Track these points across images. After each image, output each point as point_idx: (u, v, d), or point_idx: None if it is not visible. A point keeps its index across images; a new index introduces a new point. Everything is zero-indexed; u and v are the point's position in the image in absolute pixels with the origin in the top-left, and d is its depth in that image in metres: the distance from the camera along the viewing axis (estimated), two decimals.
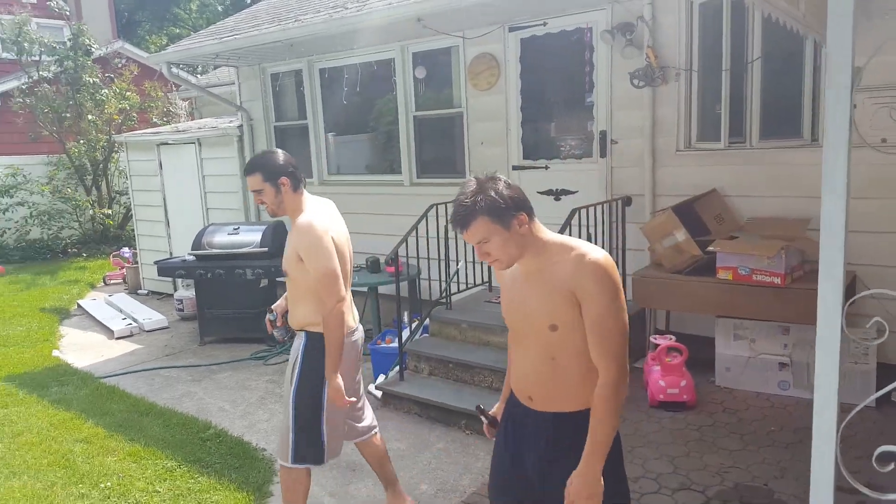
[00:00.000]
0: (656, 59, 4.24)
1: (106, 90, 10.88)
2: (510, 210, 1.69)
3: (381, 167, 6.28)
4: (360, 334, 2.89)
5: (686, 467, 3.11)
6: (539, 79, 4.98)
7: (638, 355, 4.30)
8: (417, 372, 4.44)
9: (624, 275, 4.37)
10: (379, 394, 4.36)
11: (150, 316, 6.64)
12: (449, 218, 1.78)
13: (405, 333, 4.55)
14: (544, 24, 4.75)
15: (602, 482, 1.69)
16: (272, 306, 3.06)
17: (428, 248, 4.69)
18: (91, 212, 11.06)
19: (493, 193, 1.69)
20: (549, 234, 1.78)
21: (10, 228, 10.81)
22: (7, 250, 10.63)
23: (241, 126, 6.96)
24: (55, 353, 5.85)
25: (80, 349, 5.98)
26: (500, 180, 1.73)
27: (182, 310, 6.74)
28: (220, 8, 25.93)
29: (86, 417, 4.35)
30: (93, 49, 11.08)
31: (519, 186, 1.76)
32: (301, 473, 2.78)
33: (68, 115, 10.78)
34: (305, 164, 6.57)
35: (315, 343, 2.69)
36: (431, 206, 4.68)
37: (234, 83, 7.22)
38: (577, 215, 3.89)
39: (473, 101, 5.21)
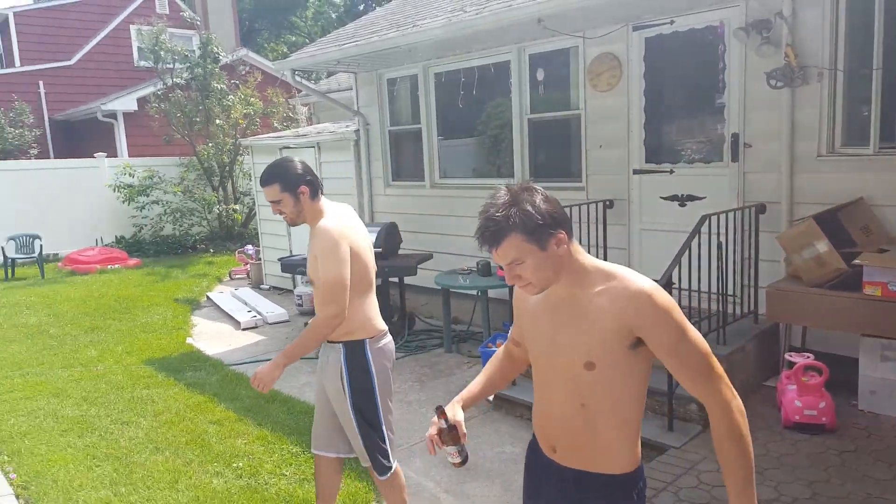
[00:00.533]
0: (796, 58, 4.02)
1: (232, 96, 11.71)
2: (548, 227, 1.47)
3: (487, 170, 6.36)
4: (388, 340, 2.81)
5: (827, 494, 2.94)
6: (664, 79, 4.86)
7: (769, 373, 4.10)
8: (529, 377, 4.45)
9: (756, 287, 4.18)
10: (490, 397, 4.42)
11: (272, 309, 7.08)
12: (475, 233, 1.53)
13: None
14: (671, 23, 4.63)
15: None
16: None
17: None
18: (218, 210, 11.92)
19: (528, 207, 1.46)
20: (588, 259, 1.57)
21: (146, 225, 11.88)
22: (143, 245, 11.70)
23: (357, 130, 7.27)
24: (188, 340, 6.37)
25: (210, 338, 6.48)
26: (536, 191, 1.51)
27: (301, 304, 7.14)
28: (333, 15, 27.13)
29: (217, 401, 4.72)
30: (220, 57, 11.97)
31: (557, 200, 1.54)
32: (396, 476, 2.78)
33: (198, 119, 11.72)
34: (417, 167, 6.77)
35: (355, 351, 2.67)
36: None
37: (352, 88, 7.56)
38: (707, 222, 3.77)
39: (592, 103, 5.16)
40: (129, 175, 11.56)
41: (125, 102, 13.89)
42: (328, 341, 2.71)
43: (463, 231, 6.27)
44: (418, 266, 5.91)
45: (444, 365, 5.34)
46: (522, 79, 5.69)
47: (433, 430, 1.76)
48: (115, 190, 11.40)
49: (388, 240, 6.06)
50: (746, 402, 3.97)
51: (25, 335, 6.64)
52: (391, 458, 2.76)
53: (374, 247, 5.97)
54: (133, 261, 10.69)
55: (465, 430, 1.77)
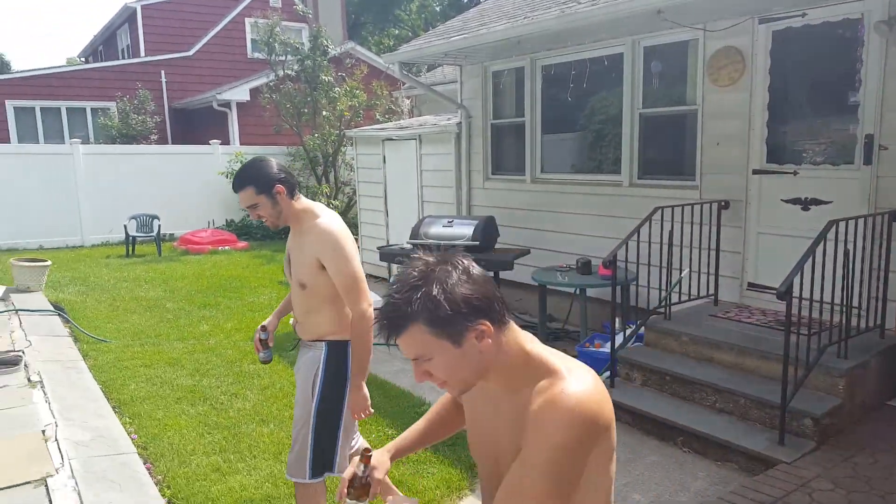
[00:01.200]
0: None
1: (338, 88, 12.16)
2: (462, 317, 1.19)
3: (588, 166, 6.27)
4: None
5: None
6: (791, 75, 4.61)
7: (894, 392, 3.83)
8: (629, 380, 4.38)
9: (885, 299, 3.92)
10: None
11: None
12: (378, 319, 1.26)
13: (617, 339, 4.51)
14: (803, 16, 4.38)
15: None
16: (264, 324, 2.95)
17: (650, 253, 4.59)
18: (322, 200, 12.43)
19: (437, 290, 1.18)
20: (531, 348, 1.28)
21: None
22: (251, 229, 12.39)
23: (459, 123, 7.37)
24: (290, 321, 6.70)
25: None
26: (457, 267, 1.22)
27: None
28: (437, 8, 27.49)
29: None
30: (329, 50, 12.45)
31: (488, 278, 1.26)
32: (320, 486, 2.68)
33: (306, 110, 12.25)
34: (518, 161, 6.78)
35: (337, 352, 2.59)
36: (656, 210, 4.57)
37: (455, 81, 7.67)
38: (833, 228, 3.56)
39: (711, 98, 4.97)
40: (240, 163, 12.26)
41: (239, 92, 14.74)
42: (310, 340, 2.66)
43: (562, 227, 6.23)
44: (515, 261, 5.93)
45: None
46: (636, 72, 5.57)
47: (347, 474, 1.55)
48: (227, 176, 12.14)
49: (486, 233, 6.12)
50: (867, 421, 3.71)
51: (144, 308, 7.22)
52: (333, 468, 2.64)
53: (471, 240, 6.12)
54: (241, 243, 11.36)
55: (380, 488, 1.57)
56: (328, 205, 12.12)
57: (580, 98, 6.20)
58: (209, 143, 12.98)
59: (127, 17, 18.92)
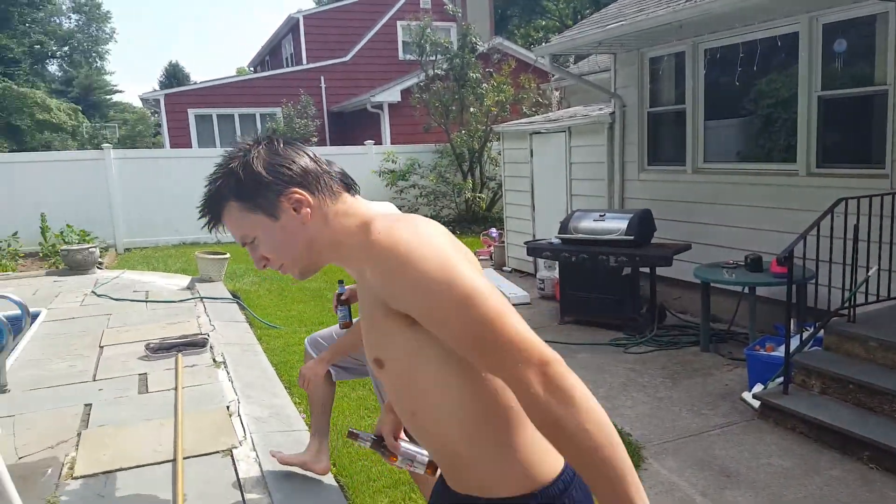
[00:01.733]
0: None
1: (486, 84, 12.31)
2: (271, 186, 1.17)
3: (756, 154, 5.83)
4: None
5: None
6: None
7: None
8: (805, 387, 4.04)
9: None
10: (756, 404, 4.09)
11: (514, 291, 7.38)
12: (200, 211, 1.26)
13: (793, 343, 4.17)
14: None
15: None
16: (343, 280, 2.98)
17: (831, 249, 4.19)
18: (467, 195, 12.68)
19: (242, 164, 1.18)
20: (364, 211, 1.22)
21: (403, 206, 13.11)
22: None
23: (612, 113, 7.17)
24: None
25: None
26: (264, 143, 1.21)
27: (543, 289, 7.32)
28: None
29: None
30: (477, 47, 12.63)
31: (300, 147, 1.23)
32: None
33: (454, 108, 12.54)
34: (678, 151, 6.47)
35: None
36: (840, 201, 4.16)
37: (606, 70, 7.47)
38: None
39: None
40: (392, 161, 12.83)
41: (390, 94, 15.42)
42: None
43: (726, 220, 5.86)
44: (674, 257, 5.68)
45: (700, 364, 5.07)
46: (813, 52, 5.10)
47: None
48: (379, 175, 12.75)
49: (641, 228, 5.91)
50: None
51: (308, 297, 7.79)
52: None
53: (626, 234, 5.93)
54: None
55: (397, 438, 1.56)
56: (473, 199, 12.41)
57: (747, 82, 5.79)
58: (363, 144, 13.70)
59: (290, 28, 20.48)
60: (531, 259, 8.11)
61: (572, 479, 1.17)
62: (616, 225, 6.06)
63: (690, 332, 5.74)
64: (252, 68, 28.65)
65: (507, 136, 9.11)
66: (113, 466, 3.31)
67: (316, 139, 16.57)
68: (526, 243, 7.08)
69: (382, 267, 1.08)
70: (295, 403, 4.46)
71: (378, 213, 1.22)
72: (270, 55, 24.72)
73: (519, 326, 1.05)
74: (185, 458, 3.38)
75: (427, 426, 1.20)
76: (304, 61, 19.06)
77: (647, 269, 5.97)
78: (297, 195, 1.19)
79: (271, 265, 1.24)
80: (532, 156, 8.46)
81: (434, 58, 12.75)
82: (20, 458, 3.46)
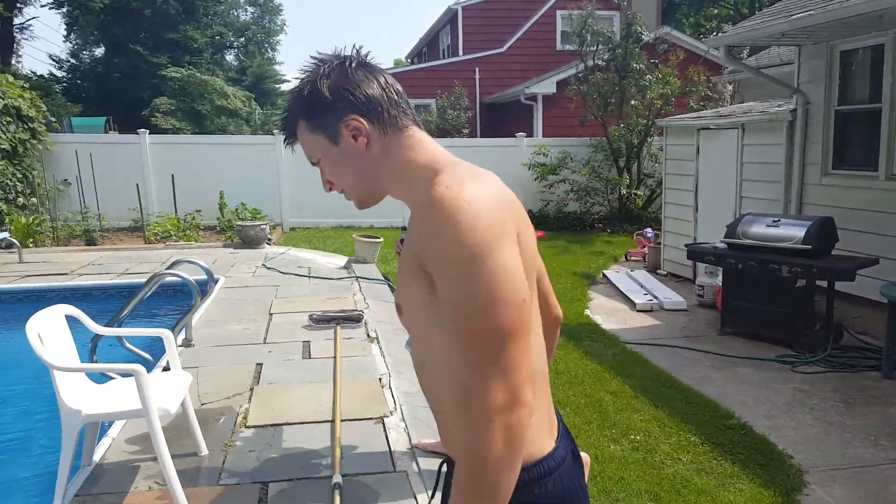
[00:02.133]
0: None
1: (649, 76, 11.93)
2: (332, 111, 1.15)
3: None
4: None
5: None
6: None
7: None
8: None
9: None
10: None
11: (669, 296, 7.14)
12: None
13: None
14: None
15: None
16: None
17: None
18: (622, 191, 12.37)
19: (310, 83, 1.16)
20: (427, 157, 1.17)
21: (552, 201, 13.08)
22: (547, 219, 12.92)
23: (793, 110, 6.69)
24: (586, 312, 6.89)
25: (605, 313, 6.89)
26: (338, 63, 1.17)
27: (702, 295, 7.02)
28: None
29: (613, 374, 5.03)
30: (642, 37, 12.25)
31: (380, 73, 1.19)
32: None
33: (613, 100, 12.28)
34: (870, 154, 5.92)
35: None
36: None
37: (788, 63, 6.98)
38: None
39: None
40: (543, 155, 12.83)
41: (545, 86, 15.39)
42: None
43: None
44: (857, 271, 5.23)
45: (880, 391, 4.65)
46: None
47: None
48: (529, 168, 12.81)
49: (821, 237, 5.49)
50: None
51: None
52: None
53: (803, 243, 5.54)
54: (539, 233, 11.92)
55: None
56: (628, 196, 12.09)
57: None
58: (514, 136, 13.81)
59: (449, 19, 21.04)
60: (690, 263, 7.80)
61: (551, 471, 1.16)
62: (792, 232, 5.68)
63: (871, 356, 5.26)
64: (409, 60, 29.80)
65: (671, 131, 8.80)
66: (280, 420, 3.69)
67: (467, 130, 16.94)
68: (686, 246, 6.82)
69: (428, 217, 1.07)
70: None
71: (450, 160, 1.20)
72: (428, 47, 25.56)
73: (517, 356, 1.01)
74: (342, 421, 3.69)
75: (430, 381, 1.20)
76: (461, 52, 19.51)
77: (824, 283, 5.54)
78: (356, 122, 1.18)
79: (335, 189, 1.28)
80: (698, 153, 8.11)
81: (595, 48, 12.54)
82: (202, 405, 3.96)
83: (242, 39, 39.39)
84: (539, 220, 12.99)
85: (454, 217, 1.02)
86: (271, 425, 3.66)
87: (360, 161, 1.20)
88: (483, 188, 1.09)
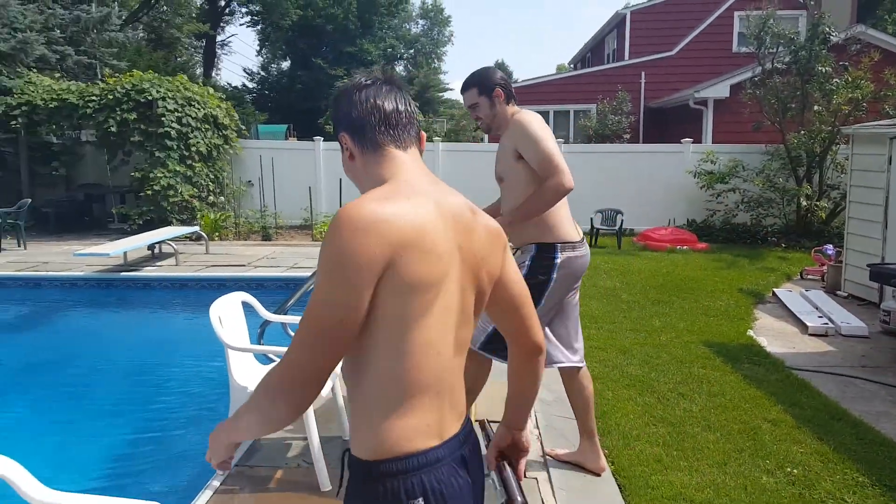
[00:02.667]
0: None
1: (836, 79, 10.84)
2: (336, 123, 1.47)
3: None
4: (585, 251, 3.09)
5: None
6: None
7: None
8: None
9: None
10: None
11: (848, 320, 6.45)
12: None
13: None
14: None
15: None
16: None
17: None
18: (802, 203, 11.31)
19: (335, 95, 1.47)
20: (388, 175, 1.39)
21: (719, 211, 12.31)
22: (713, 230, 12.19)
23: None
24: (749, 332, 6.41)
25: (771, 335, 6.37)
26: (367, 80, 1.45)
27: (887, 322, 6.26)
28: None
29: (774, 401, 4.64)
30: (831, 37, 11.17)
31: (371, 93, 1.41)
32: (487, 361, 3.19)
33: (793, 105, 11.31)
34: None
35: (544, 253, 2.96)
36: None
37: None
38: None
39: None
40: (711, 162, 12.12)
41: (717, 89, 14.54)
42: (520, 245, 3.01)
43: None
44: None
45: None
46: None
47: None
48: (695, 176, 12.16)
49: None
50: None
51: (601, 295, 7.87)
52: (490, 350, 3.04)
53: None
54: (701, 245, 11.29)
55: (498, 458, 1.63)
56: (809, 209, 11.05)
57: None
58: (680, 142, 13.19)
59: (616, 24, 20.58)
60: (875, 285, 6.99)
61: (419, 467, 1.26)
62: None
63: None
64: (572, 65, 29.50)
65: (858, 140, 7.95)
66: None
67: (628, 136, 16.45)
68: (869, 266, 6.13)
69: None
70: None
71: (398, 179, 1.36)
72: (592, 52, 25.16)
73: (311, 356, 1.21)
74: (476, 420, 3.76)
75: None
76: (626, 57, 18.99)
77: None
78: (344, 138, 1.42)
79: None
80: (890, 163, 7.25)
81: (775, 50, 11.64)
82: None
83: (412, 51, 41.23)
84: (703, 230, 12.31)
85: (331, 227, 1.23)
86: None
87: (351, 170, 1.46)
88: (375, 208, 1.24)
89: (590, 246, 11.33)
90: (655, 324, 6.66)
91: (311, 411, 3.11)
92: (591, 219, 11.96)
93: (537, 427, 3.79)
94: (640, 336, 6.22)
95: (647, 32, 18.85)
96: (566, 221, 3.06)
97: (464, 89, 3.07)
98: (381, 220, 1.22)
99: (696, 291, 8.09)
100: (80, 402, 4.92)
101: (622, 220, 11.93)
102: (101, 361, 6.08)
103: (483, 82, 3.03)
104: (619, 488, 3.41)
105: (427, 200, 1.31)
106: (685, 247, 11.15)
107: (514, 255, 3.12)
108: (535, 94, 18.38)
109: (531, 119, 2.95)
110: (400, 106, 1.43)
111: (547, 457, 3.42)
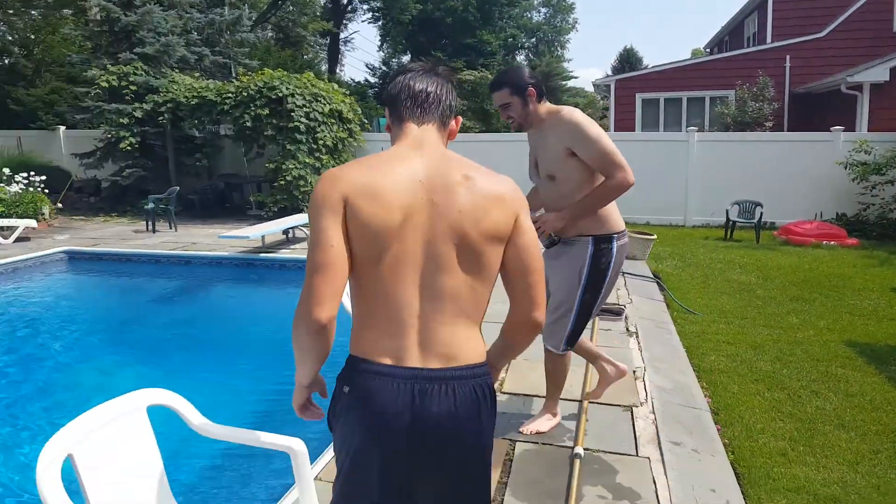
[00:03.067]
0: None
1: None
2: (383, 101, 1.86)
3: None
4: (626, 240, 3.23)
5: None
6: None
7: None
8: None
9: None
10: None
11: None
12: None
13: None
14: None
15: None
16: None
17: None
18: None
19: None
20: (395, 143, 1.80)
21: (873, 205, 11.46)
22: (866, 225, 11.36)
23: None
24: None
25: None
26: (404, 69, 1.82)
27: None
28: None
29: None
30: None
31: (407, 75, 1.79)
32: (567, 357, 3.48)
33: None
34: None
35: (602, 244, 3.10)
36: None
37: None
38: None
39: None
40: (865, 152, 11.31)
41: (875, 73, 13.46)
42: (572, 237, 3.14)
43: None
44: None
45: None
46: None
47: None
48: (846, 167, 11.40)
49: None
50: None
51: (734, 290, 7.64)
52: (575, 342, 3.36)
53: None
54: (851, 240, 10.58)
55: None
56: None
57: None
58: (829, 130, 12.38)
59: (756, 6, 19.53)
60: None
61: (365, 370, 1.66)
62: None
63: None
64: (708, 50, 28.25)
65: None
66: (531, 392, 4.04)
67: (770, 123, 15.61)
68: None
69: None
70: (702, 388, 4.60)
71: (395, 145, 1.73)
72: (730, 35, 23.98)
73: (317, 284, 1.58)
74: (589, 402, 3.90)
75: None
76: (769, 40, 17.98)
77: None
78: (385, 112, 1.80)
79: None
80: None
81: None
82: None
83: (533, 40, 41.09)
84: (854, 225, 11.52)
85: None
86: (523, 394, 4.02)
87: (391, 139, 1.79)
88: (341, 168, 1.64)
89: (724, 240, 11.12)
90: (792, 321, 6.41)
91: None
92: (727, 211, 11.51)
93: (653, 412, 3.86)
94: (773, 332, 6.03)
95: (793, 13, 17.71)
96: (616, 212, 3.22)
97: (494, 89, 3.11)
98: (338, 175, 1.62)
99: (841, 289, 7.66)
100: (225, 363, 5.57)
101: (761, 213, 11.39)
102: (243, 330, 6.80)
103: (515, 82, 3.07)
104: (737, 476, 3.42)
105: (402, 165, 1.65)
106: (832, 242, 10.49)
107: (554, 243, 3.24)
108: (666, 79, 17.85)
109: (583, 118, 3.06)
110: (429, 88, 1.76)
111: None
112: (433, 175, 1.64)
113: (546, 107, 3.16)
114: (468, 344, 1.68)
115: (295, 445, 2.33)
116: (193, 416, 2.30)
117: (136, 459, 2.13)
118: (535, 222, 3.05)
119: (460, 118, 1.82)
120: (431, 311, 1.63)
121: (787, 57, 16.88)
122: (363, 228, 1.58)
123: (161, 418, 2.32)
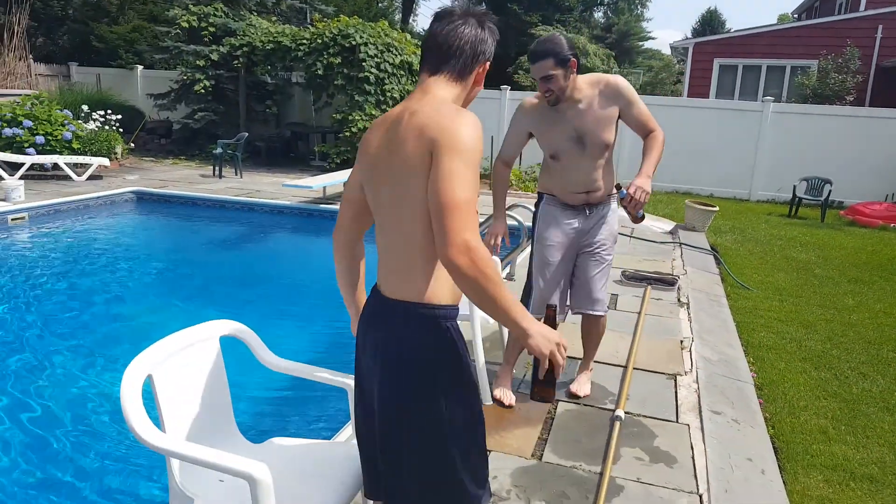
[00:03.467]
0: None
1: None
2: None
3: None
4: None
5: None
6: None
7: None
8: None
9: None
10: None
11: None
12: None
13: None
14: None
15: None
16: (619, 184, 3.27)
17: None
18: None
19: None
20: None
21: None
22: None
23: None
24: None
25: None
26: None
27: None
28: None
29: None
30: None
31: (439, 30, 1.74)
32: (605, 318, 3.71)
33: None
34: None
35: (617, 192, 3.22)
36: None
37: None
38: None
39: None
40: None
41: None
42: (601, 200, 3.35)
43: None
44: None
45: None
46: None
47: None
48: None
49: None
50: None
51: (792, 268, 7.49)
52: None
53: None
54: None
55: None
56: None
57: None
58: None
59: None
60: None
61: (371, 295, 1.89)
62: None
63: None
64: (795, 16, 26.79)
65: None
66: (577, 355, 4.14)
67: (852, 97, 14.85)
68: None
69: None
70: (749, 363, 4.62)
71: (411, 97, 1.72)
72: (821, 1, 22.67)
73: (342, 210, 1.99)
74: (634, 369, 3.99)
75: None
76: (862, 7, 16.96)
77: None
78: None
79: None
80: None
81: None
82: None
83: None
84: None
85: None
86: (568, 357, 4.12)
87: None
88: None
89: (788, 216, 10.80)
90: (848, 302, 6.29)
91: (479, 334, 3.52)
92: (795, 186, 11.15)
93: (697, 382, 3.92)
94: (827, 312, 5.94)
95: None
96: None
97: (536, 59, 2.96)
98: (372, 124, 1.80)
99: None
100: (284, 305, 5.86)
101: (830, 191, 11.00)
102: (300, 277, 7.09)
103: (559, 52, 2.93)
104: (775, 451, 3.47)
105: (392, 113, 1.70)
106: None
107: (594, 210, 3.42)
108: (746, 45, 17.11)
109: (626, 82, 3.17)
110: (449, 37, 1.70)
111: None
112: (394, 120, 1.67)
113: (582, 78, 3.11)
114: (406, 285, 1.72)
115: (351, 382, 2.51)
116: (260, 349, 2.51)
117: (206, 383, 2.34)
118: (631, 196, 2.99)
119: (487, 64, 1.74)
120: (404, 244, 1.69)
121: (880, 27, 15.92)
122: (362, 176, 1.82)
123: (226, 349, 2.53)
